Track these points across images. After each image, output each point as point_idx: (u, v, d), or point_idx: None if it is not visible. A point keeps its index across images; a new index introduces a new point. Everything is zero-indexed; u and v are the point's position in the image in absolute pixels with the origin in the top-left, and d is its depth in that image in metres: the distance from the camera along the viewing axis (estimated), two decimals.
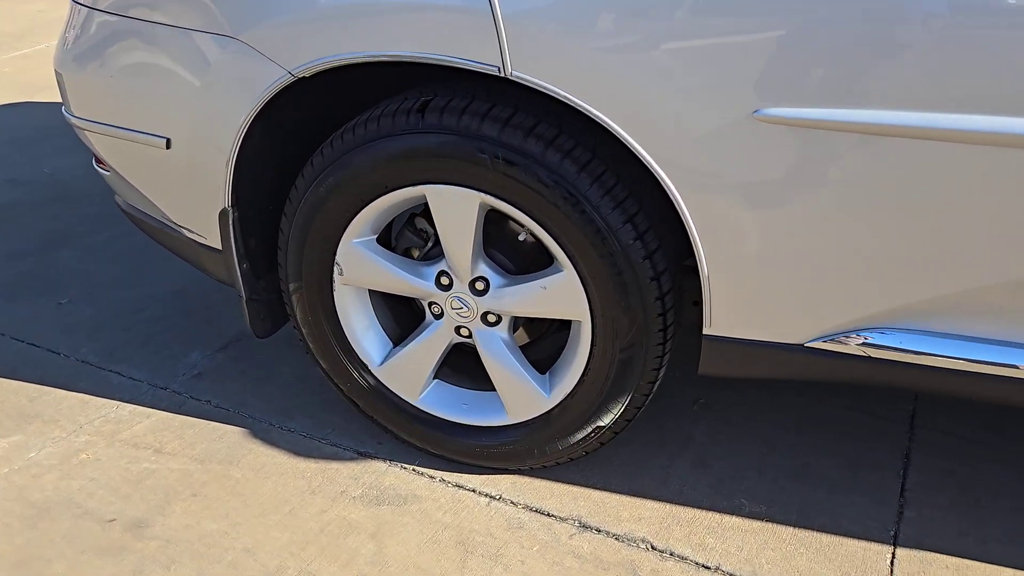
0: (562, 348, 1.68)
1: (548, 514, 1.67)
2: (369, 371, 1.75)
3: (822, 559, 1.55)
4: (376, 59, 1.41)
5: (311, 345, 1.77)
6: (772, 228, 1.32)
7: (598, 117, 1.31)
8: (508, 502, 1.70)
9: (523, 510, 1.68)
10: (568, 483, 1.74)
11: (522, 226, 1.58)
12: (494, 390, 1.70)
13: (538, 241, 1.58)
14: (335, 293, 1.68)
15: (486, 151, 1.42)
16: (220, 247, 1.71)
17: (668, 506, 1.68)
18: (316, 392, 2.03)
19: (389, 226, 1.72)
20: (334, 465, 1.81)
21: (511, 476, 1.76)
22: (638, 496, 1.70)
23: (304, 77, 1.47)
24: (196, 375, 2.12)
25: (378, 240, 1.64)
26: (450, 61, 1.36)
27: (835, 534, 1.60)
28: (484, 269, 1.57)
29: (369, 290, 1.72)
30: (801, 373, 1.47)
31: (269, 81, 1.48)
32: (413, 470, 1.79)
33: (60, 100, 1.91)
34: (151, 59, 1.61)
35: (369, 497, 1.72)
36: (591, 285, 1.48)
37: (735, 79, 1.23)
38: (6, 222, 2.95)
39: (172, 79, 1.59)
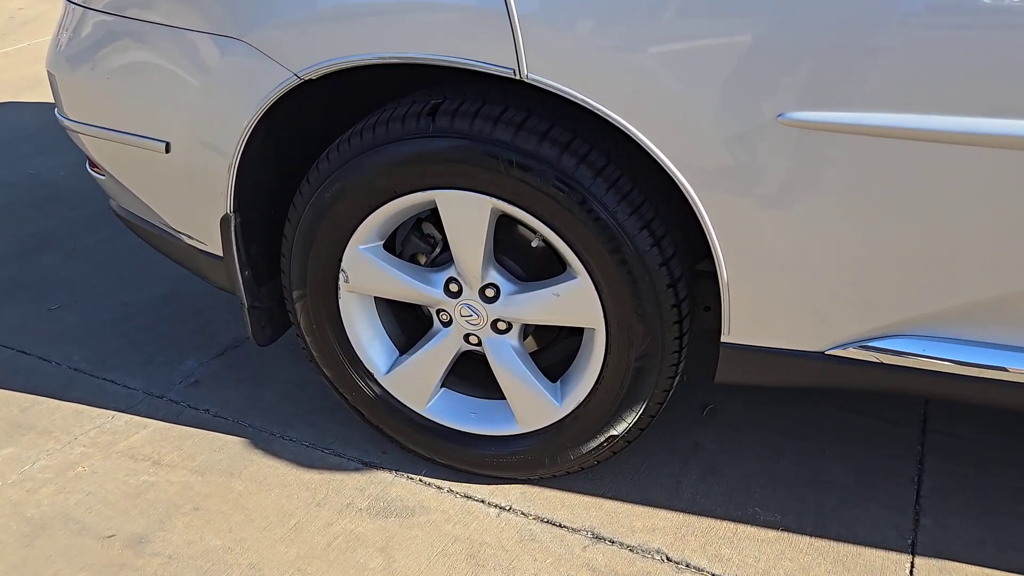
0: (572, 355, 1.65)
1: (560, 525, 1.64)
2: (375, 380, 1.71)
3: (841, 569, 1.53)
4: (386, 61, 1.36)
5: (315, 354, 1.72)
6: (794, 234, 1.29)
7: (617, 121, 1.28)
8: (519, 513, 1.66)
9: (534, 521, 1.65)
10: (579, 493, 1.71)
11: (534, 232, 1.54)
12: (503, 398, 1.66)
13: (550, 247, 1.54)
14: (340, 300, 1.64)
15: (499, 156, 1.39)
16: (221, 254, 1.66)
17: (681, 515, 1.65)
18: (316, 400, 1.99)
19: (394, 232, 1.67)
20: (339, 476, 1.77)
21: (520, 486, 1.73)
22: (650, 505, 1.67)
23: (310, 79, 1.42)
24: (193, 383, 2.07)
25: (384, 246, 1.60)
26: (464, 63, 1.32)
27: (852, 543, 1.58)
28: (495, 276, 1.53)
29: (375, 297, 1.68)
30: (821, 381, 1.44)
31: (274, 83, 1.43)
32: (420, 480, 1.75)
33: (42, 100, 1.86)
34: (149, 60, 1.55)
35: (376, 509, 1.68)
36: (606, 292, 1.45)
37: (759, 82, 1.20)
38: None
39: (172, 81, 1.54)
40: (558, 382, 1.62)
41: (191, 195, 1.63)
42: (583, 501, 1.69)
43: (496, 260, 1.55)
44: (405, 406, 1.72)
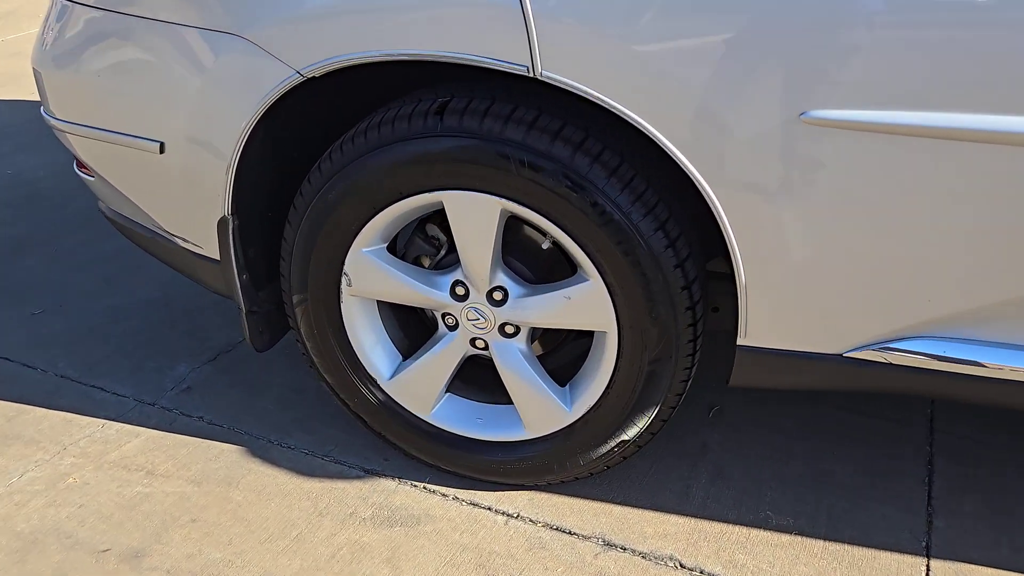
0: (580, 357, 1.61)
1: (570, 532, 1.60)
2: (378, 386, 1.66)
3: (857, 574, 1.50)
4: (393, 58, 1.32)
5: (315, 359, 1.67)
6: (815, 235, 1.26)
7: (635, 120, 1.24)
8: (527, 520, 1.63)
9: (543, 528, 1.61)
10: (587, 498, 1.67)
11: (543, 234, 1.50)
12: (510, 403, 1.62)
13: (560, 249, 1.51)
14: (342, 305, 1.59)
15: (510, 155, 1.35)
16: (218, 257, 1.61)
17: (693, 521, 1.62)
18: (314, 405, 1.94)
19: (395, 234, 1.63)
20: (340, 484, 1.72)
21: (527, 492, 1.69)
22: (661, 511, 1.64)
23: (313, 77, 1.37)
24: (185, 389, 2.01)
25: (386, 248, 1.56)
26: (476, 61, 1.28)
27: (867, 546, 1.56)
28: (503, 278, 1.50)
29: (377, 301, 1.63)
30: (838, 384, 1.42)
31: (276, 81, 1.38)
32: (424, 488, 1.71)
33: (21, 97, 1.79)
34: (143, 58, 1.50)
35: (380, 518, 1.64)
36: (619, 295, 1.41)
37: (782, 79, 1.17)
38: None
39: (167, 79, 1.48)
40: (567, 386, 1.58)
41: (187, 197, 1.58)
42: (592, 507, 1.65)
43: (503, 262, 1.51)
44: (409, 412, 1.67)
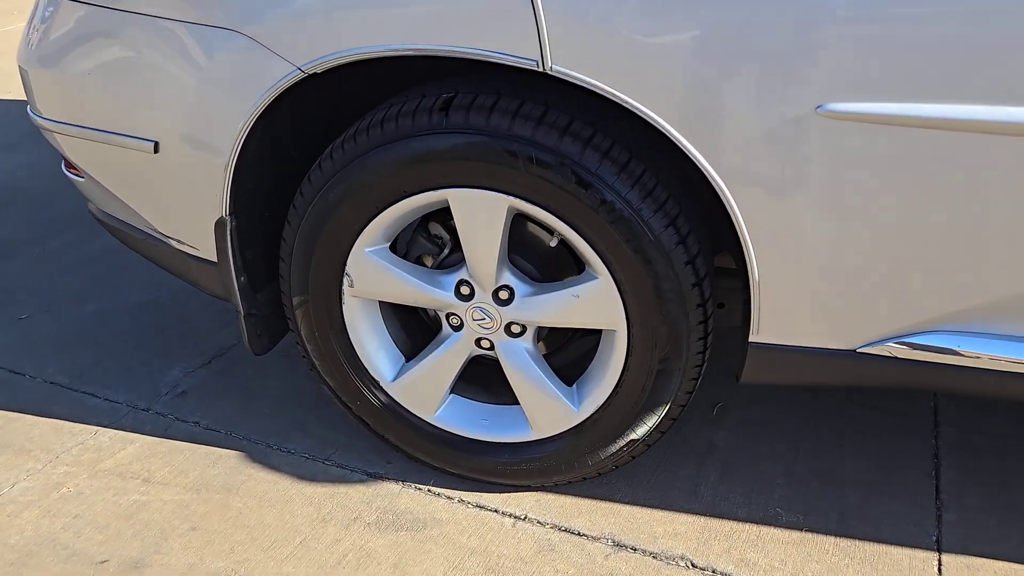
0: (586, 355, 1.59)
1: (579, 533, 1.58)
2: (381, 388, 1.63)
3: (869, 570, 1.49)
4: (398, 53, 1.29)
5: (316, 362, 1.64)
6: (830, 230, 1.24)
7: (647, 115, 1.22)
8: (535, 522, 1.60)
9: (552, 530, 1.59)
10: (595, 499, 1.65)
11: (551, 231, 1.48)
12: (516, 403, 1.60)
13: (568, 247, 1.48)
14: (344, 306, 1.56)
15: (518, 152, 1.32)
16: (215, 259, 1.57)
17: (703, 519, 1.60)
18: (312, 408, 1.90)
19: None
20: (343, 489, 1.69)
21: (534, 493, 1.67)
22: (670, 510, 1.62)
23: (315, 73, 1.34)
24: (180, 394, 1.97)
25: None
26: (483, 55, 1.25)
27: (878, 542, 1.55)
28: (509, 277, 1.47)
29: (379, 302, 1.60)
30: (850, 380, 1.40)
31: (276, 78, 1.34)
32: (429, 491, 1.68)
33: (3, 96, 1.74)
34: (136, 55, 1.45)
35: (385, 522, 1.61)
36: (629, 293, 1.39)
37: (798, 71, 1.15)
38: None
39: (161, 77, 1.44)
40: (574, 386, 1.56)
41: (182, 197, 1.54)
42: (600, 507, 1.63)
43: (508, 260, 1.48)
44: (413, 414, 1.64)
